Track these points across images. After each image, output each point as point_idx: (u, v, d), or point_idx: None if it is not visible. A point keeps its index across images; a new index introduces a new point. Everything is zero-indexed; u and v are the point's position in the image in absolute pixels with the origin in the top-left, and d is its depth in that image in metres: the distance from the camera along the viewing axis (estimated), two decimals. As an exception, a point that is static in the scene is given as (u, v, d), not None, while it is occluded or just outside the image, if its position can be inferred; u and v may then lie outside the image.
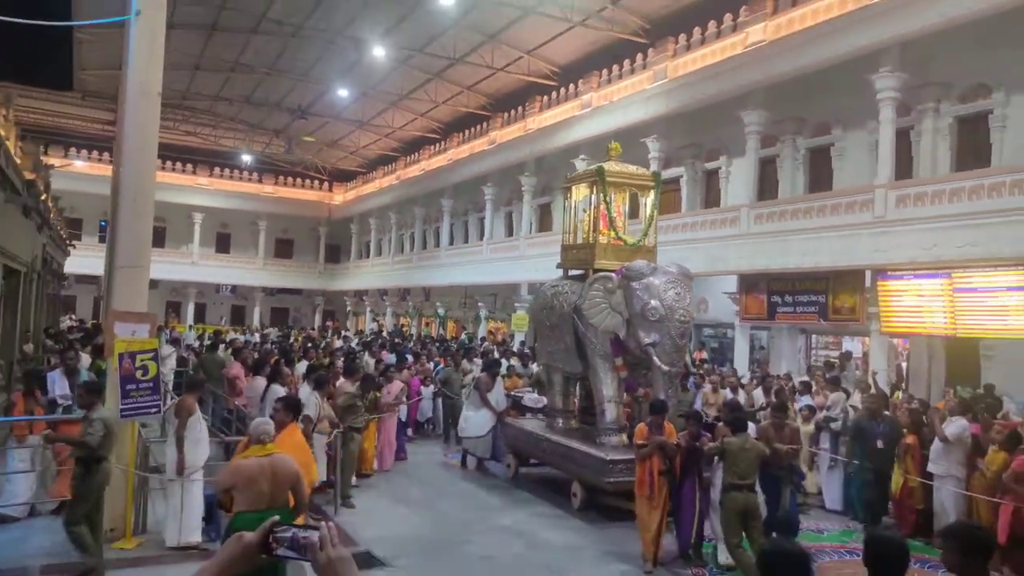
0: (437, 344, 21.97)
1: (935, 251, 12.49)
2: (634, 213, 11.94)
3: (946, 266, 12.62)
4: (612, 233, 10.29)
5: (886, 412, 9.71)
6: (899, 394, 12.07)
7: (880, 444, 9.04)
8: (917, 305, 13.23)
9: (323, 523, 1.54)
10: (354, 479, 10.13)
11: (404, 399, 12.52)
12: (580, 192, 10.93)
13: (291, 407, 6.05)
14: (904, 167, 14.35)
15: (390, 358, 15.97)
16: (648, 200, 10.65)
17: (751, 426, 7.90)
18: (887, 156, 13.69)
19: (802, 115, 16.92)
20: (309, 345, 18.60)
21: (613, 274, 9.54)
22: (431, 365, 15.61)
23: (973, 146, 13.91)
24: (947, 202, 12.38)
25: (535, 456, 10.68)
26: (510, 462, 11.27)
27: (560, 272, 11.23)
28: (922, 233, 12.67)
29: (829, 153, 16.57)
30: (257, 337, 24.34)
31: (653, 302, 8.89)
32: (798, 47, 14.90)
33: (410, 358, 15.82)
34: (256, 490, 4.83)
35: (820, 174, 16.84)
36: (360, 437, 9.87)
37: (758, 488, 7.41)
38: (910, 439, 9.08)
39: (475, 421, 11.57)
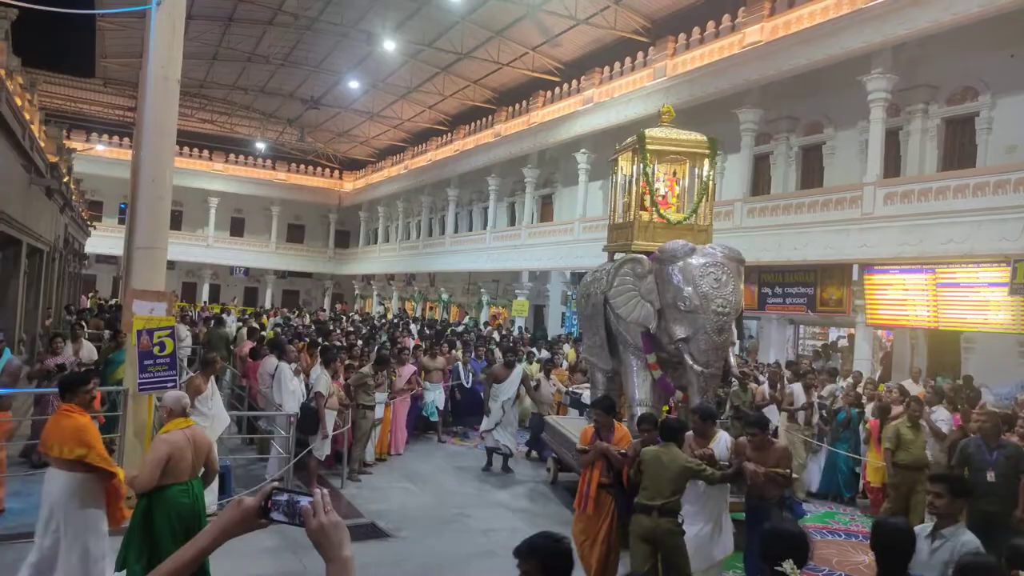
0: (471, 333, 19.11)
1: (920, 247, 12.45)
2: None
3: (930, 262, 12.60)
4: (654, 210, 8.58)
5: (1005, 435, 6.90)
6: (883, 387, 12.05)
7: (991, 477, 6.29)
8: (902, 299, 13.22)
9: (316, 489, 1.52)
10: (372, 459, 10.07)
11: (418, 384, 11.61)
12: (628, 164, 9.10)
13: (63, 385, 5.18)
14: (892, 166, 14.28)
15: (410, 343, 15.15)
16: (702, 170, 8.76)
17: (725, 438, 6.17)
18: (876, 155, 13.61)
19: (796, 114, 16.83)
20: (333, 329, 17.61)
21: (644, 256, 7.96)
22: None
23: (959, 147, 13.85)
24: (933, 200, 12.33)
25: (567, 460, 8.99)
26: (550, 466, 9.93)
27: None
28: (908, 230, 12.62)
29: (821, 151, 16.49)
30: (278, 319, 23.14)
31: (687, 289, 7.28)
32: (793, 48, 14.79)
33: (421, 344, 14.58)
34: (184, 462, 4.78)
35: (812, 171, 16.77)
36: (372, 415, 9.66)
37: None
38: (873, 423, 9.16)
39: (490, 418, 10.46)
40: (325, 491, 1.52)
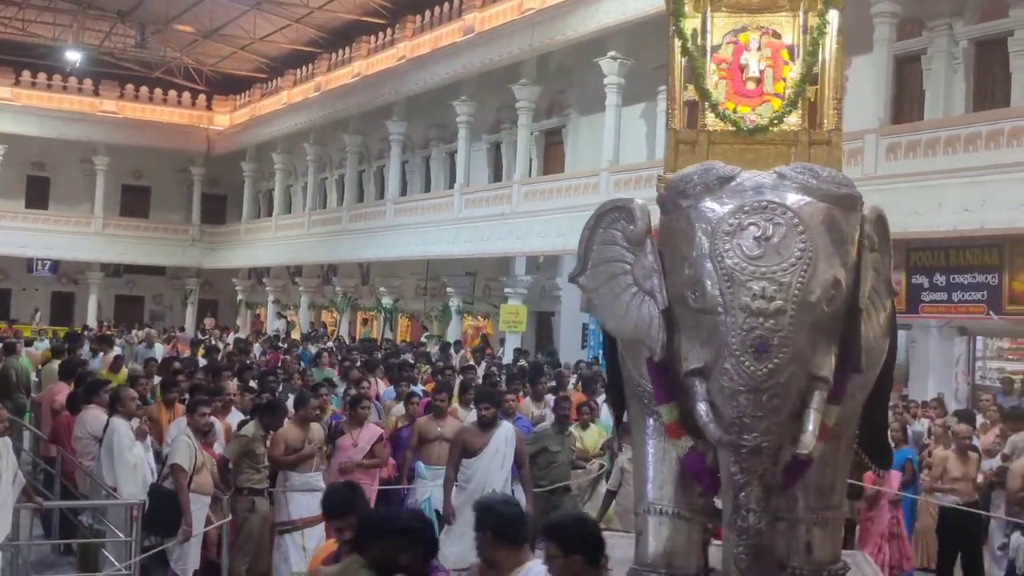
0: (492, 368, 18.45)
1: None
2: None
3: None
4: (707, 106, 7.02)
5: None
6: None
7: None
8: None
9: None
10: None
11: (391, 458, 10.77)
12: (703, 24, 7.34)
13: None
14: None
15: (383, 388, 14.30)
16: (808, 24, 6.98)
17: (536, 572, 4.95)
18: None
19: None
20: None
21: (637, 201, 6.51)
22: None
23: None
24: None
25: None
26: None
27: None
28: None
29: (1006, 47, 16.47)
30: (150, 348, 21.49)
31: (702, 265, 5.67)
32: None
33: (418, 389, 13.26)
34: None
35: (991, 81, 16.85)
36: (265, 505, 9.42)
37: None
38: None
39: (451, 533, 9.36)
40: None
